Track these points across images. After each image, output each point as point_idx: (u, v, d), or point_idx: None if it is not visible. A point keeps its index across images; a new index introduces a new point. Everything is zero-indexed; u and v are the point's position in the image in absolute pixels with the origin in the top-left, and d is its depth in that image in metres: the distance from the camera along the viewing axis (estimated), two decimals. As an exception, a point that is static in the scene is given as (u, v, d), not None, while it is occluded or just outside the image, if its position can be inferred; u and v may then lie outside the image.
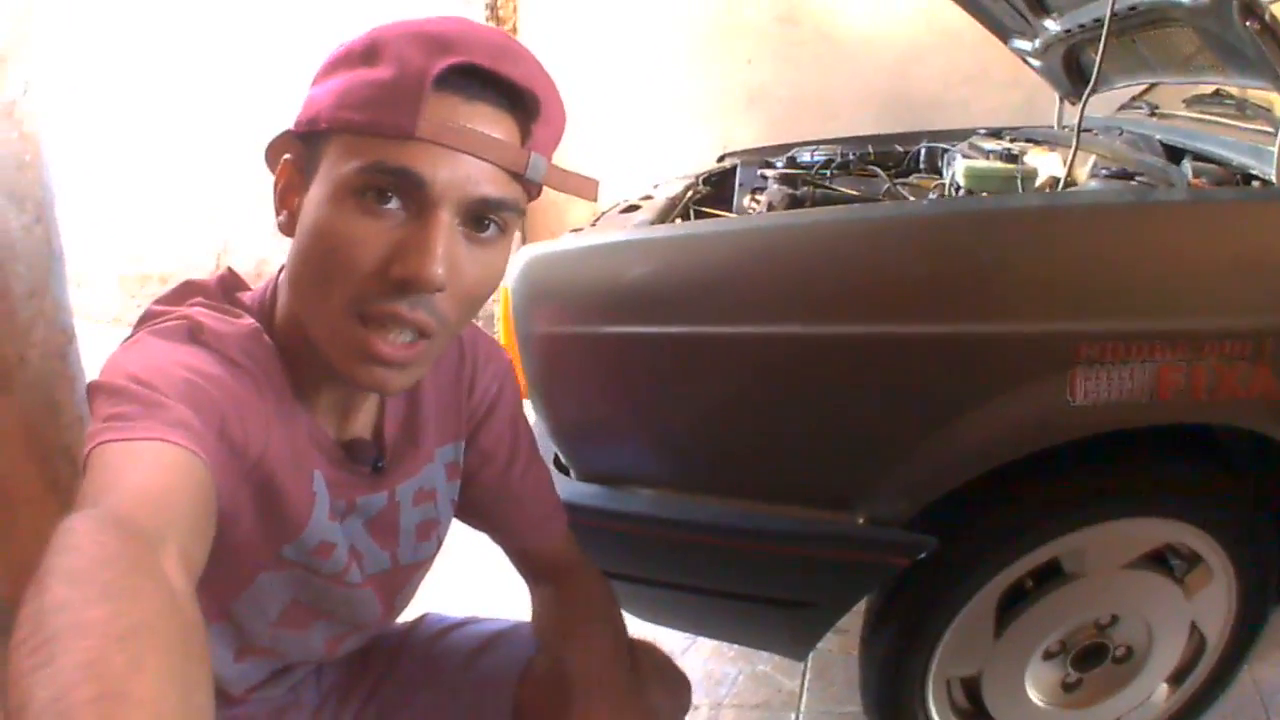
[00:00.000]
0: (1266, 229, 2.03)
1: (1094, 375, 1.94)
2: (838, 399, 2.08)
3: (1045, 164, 3.03)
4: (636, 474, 2.25)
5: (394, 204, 1.21)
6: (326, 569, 1.48)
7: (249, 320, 1.36)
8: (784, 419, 2.11)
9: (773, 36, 5.91)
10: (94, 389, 1.16)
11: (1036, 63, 3.92)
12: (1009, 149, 3.28)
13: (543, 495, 1.79)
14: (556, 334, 2.17)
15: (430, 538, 1.67)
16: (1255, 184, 2.33)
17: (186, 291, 1.43)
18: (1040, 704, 2.51)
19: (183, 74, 6.70)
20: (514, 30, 6.13)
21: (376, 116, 1.19)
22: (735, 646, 3.23)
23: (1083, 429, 2.02)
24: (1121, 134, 3.27)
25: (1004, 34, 3.94)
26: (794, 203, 2.90)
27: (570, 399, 2.24)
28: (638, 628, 2.19)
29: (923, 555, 2.12)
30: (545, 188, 1.34)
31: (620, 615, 1.81)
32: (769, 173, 3.39)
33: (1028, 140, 3.67)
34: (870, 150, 3.91)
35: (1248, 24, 2.16)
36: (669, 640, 2.86)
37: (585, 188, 1.36)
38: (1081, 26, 3.24)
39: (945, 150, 3.71)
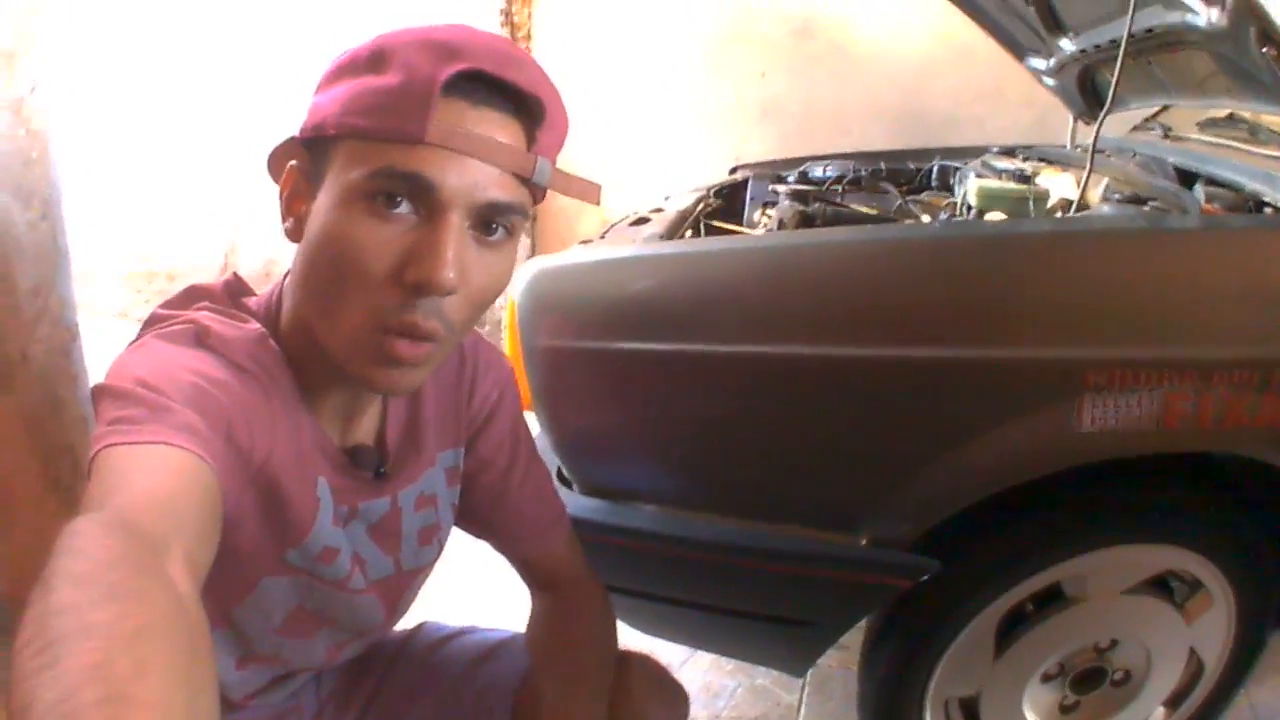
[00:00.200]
0: (1278, 258, 2.02)
1: (1102, 402, 1.93)
2: (843, 421, 2.07)
3: (1058, 185, 3.02)
4: (639, 489, 2.24)
5: (403, 208, 1.21)
6: (329, 575, 1.48)
7: (255, 325, 1.36)
8: (789, 439, 2.10)
9: (787, 50, 5.90)
10: (99, 392, 1.16)
11: (1051, 81, 3.91)
12: (1022, 169, 3.28)
13: (542, 503, 1.78)
14: (562, 347, 2.17)
15: (432, 542, 1.67)
16: (1268, 210, 2.32)
17: (192, 296, 1.43)
18: (1038, 725, 2.50)
19: (191, 71, 6.72)
20: (528, 38, 6.14)
21: (385, 122, 1.19)
22: (734, 660, 3.21)
23: (1089, 455, 2.01)
24: (1134, 156, 3.26)
25: (1019, 52, 3.94)
26: (805, 219, 2.89)
27: (574, 412, 2.23)
28: (636, 639, 2.18)
29: (925, 577, 2.11)
30: (549, 191, 1.34)
31: (613, 640, 1.80)
32: (780, 187, 3.38)
33: (1041, 159, 3.66)
34: (882, 166, 3.89)
35: (1264, 50, 2.15)
36: (668, 652, 2.86)
37: (588, 191, 1.36)
38: (1097, 47, 3.24)
39: (957, 168, 3.70)
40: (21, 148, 2.20)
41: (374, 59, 1.24)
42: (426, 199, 1.21)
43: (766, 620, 2.33)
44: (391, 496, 1.56)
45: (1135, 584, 2.32)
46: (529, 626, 1.82)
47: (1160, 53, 2.89)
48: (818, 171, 3.80)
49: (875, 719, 2.46)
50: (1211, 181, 2.66)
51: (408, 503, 1.60)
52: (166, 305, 1.41)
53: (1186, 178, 2.85)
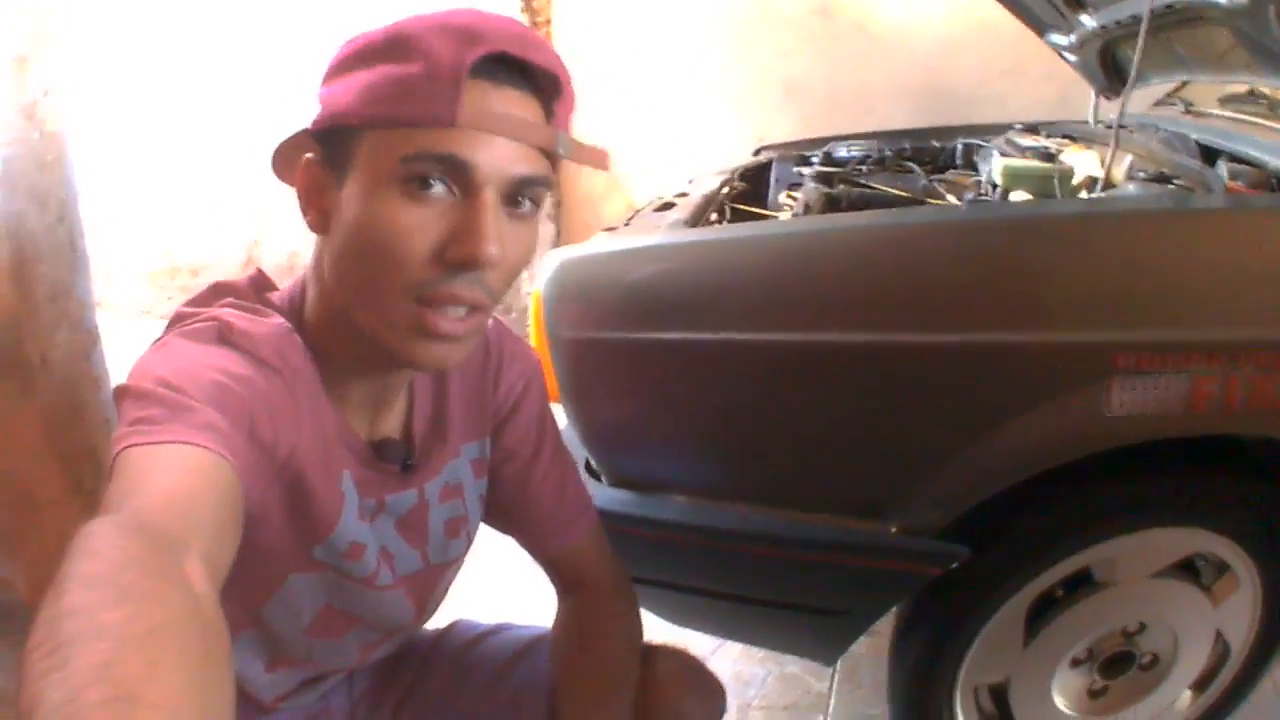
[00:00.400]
0: (1304, 236, 2.01)
1: (1130, 385, 1.92)
2: (873, 408, 2.07)
3: (1082, 162, 3.01)
4: (668, 480, 2.24)
5: (438, 189, 1.23)
6: (356, 572, 1.48)
7: (279, 319, 1.37)
8: (817, 428, 2.10)
9: (809, 29, 5.88)
10: (121, 392, 1.17)
11: (1072, 57, 3.90)
12: (1046, 146, 3.26)
13: (565, 496, 1.77)
14: (588, 338, 2.17)
15: (460, 535, 1.67)
16: (1291, 187, 2.31)
17: (217, 292, 1.44)
18: (1066, 711, 2.50)
19: (212, 66, 6.73)
20: (548, 23, 6.13)
21: (415, 108, 1.21)
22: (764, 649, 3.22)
23: (1118, 439, 2.00)
24: (1157, 132, 3.24)
25: (1040, 28, 3.92)
26: (831, 202, 2.88)
27: (602, 404, 2.23)
28: (666, 631, 2.18)
29: (955, 565, 2.10)
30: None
31: (636, 655, 1.77)
32: (805, 170, 3.37)
33: (1064, 136, 3.65)
34: (906, 146, 3.87)
35: (1283, 26, 2.14)
36: (697, 642, 2.85)
37: (598, 158, 1.38)
38: (1118, 23, 3.22)
39: (981, 146, 3.68)
40: (36, 151, 2.20)
41: (392, 47, 1.25)
42: (461, 179, 1.23)
43: (797, 610, 2.33)
44: (419, 489, 1.56)
45: (1163, 567, 2.32)
46: (553, 635, 1.81)
47: (1180, 29, 2.88)
48: (841, 152, 3.77)
49: (905, 706, 2.46)
50: (1234, 158, 2.64)
51: (434, 494, 1.60)
52: (191, 303, 1.42)
53: (1209, 154, 2.84)
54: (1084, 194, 2.82)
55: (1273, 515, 2.26)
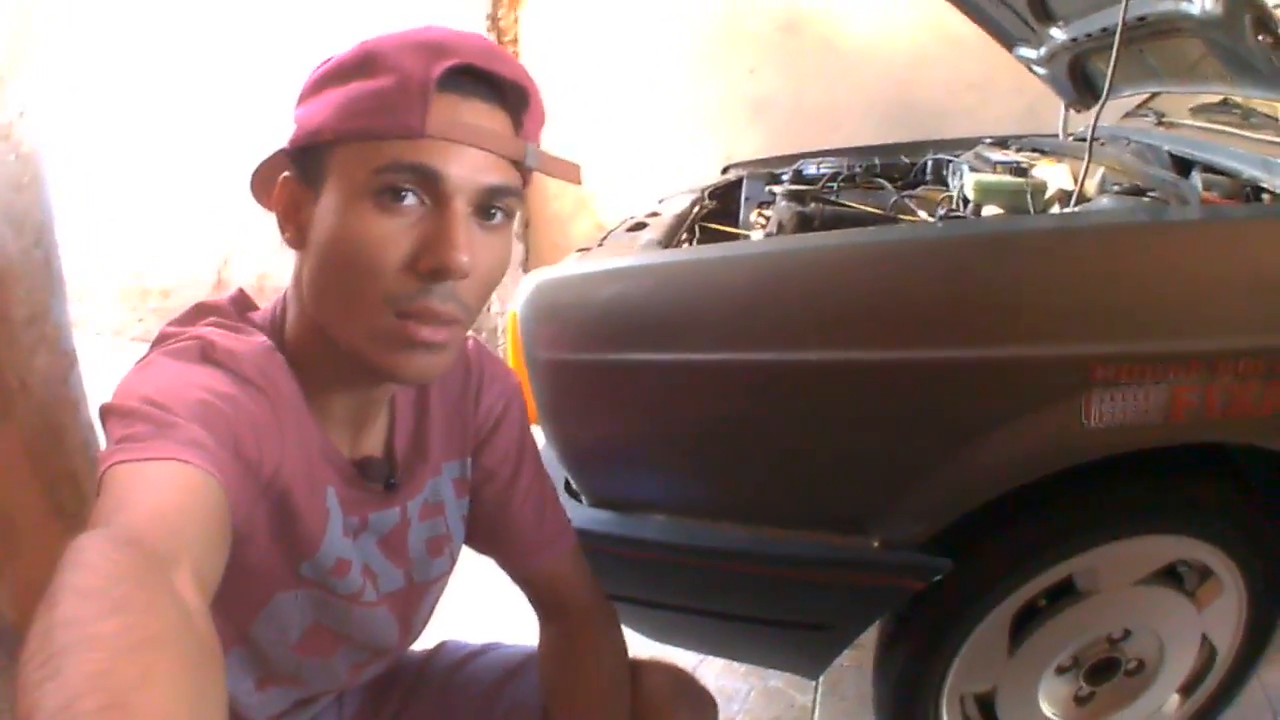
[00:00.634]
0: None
1: (1108, 397, 1.93)
2: (852, 425, 2.07)
3: (1054, 176, 3.01)
4: (648, 499, 2.25)
5: (410, 200, 1.26)
6: (343, 589, 1.49)
7: (261, 338, 1.39)
8: (797, 445, 2.10)
9: (775, 46, 5.89)
10: (106, 411, 1.18)
11: (1042, 71, 3.90)
12: (1017, 161, 3.26)
13: (544, 517, 1.78)
14: (565, 360, 2.17)
15: (442, 554, 1.68)
16: (1266, 198, 2.32)
17: (200, 312, 1.45)
18: (1053, 717, 2.51)
19: (182, 87, 6.73)
20: (515, 42, 6.13)
21: (385, 121, 1.24)
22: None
23: (1098, 451, 2.01)
24: (1129, 144, 3.25)
25: (1009, 42, 3.92)
26: (804, 221, 2.88)
27: (581, 425, 2.23)
28: (647, 647, 2.18)
29: (938, 577, 2.11)
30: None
31: (624, 668, 1.79)
32: (776, 188, 3.37)
33: (1034, 150, 3.65)
34: (876, 162, 3.88)
35: (1260, 38, 2.15)
36: (677, 658, 2.85)
37: (569, 171, 1.41)
38: (1088, 35, 3.23)
39: (950, 161, 3.68)
40: (12, 173, 2.20)
41: (362, 64, 1.28)
42: (432, 190, 1.26)
43: (780, 625, 2.33)
44: (401, 507, 1.58)
45: (1146, 575, 2.33)
46: (540, 659, 1.82)
47: (1152, 40, 2.89)
48: (811, 169, 3.78)
49: (891, 718, 2.46)
50: (1208, 169, 2.66)
51: (415, 512, 1.61)
52: (174, 323, 1.43)
53: (1182, 165, 2.85)
54: (1057, 208, 2.83)
55: (1254, 519, 2.28)
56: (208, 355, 1.30)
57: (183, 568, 0.95)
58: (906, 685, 2.39)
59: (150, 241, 7.12)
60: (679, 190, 3.66)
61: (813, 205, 3.02)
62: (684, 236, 2.89)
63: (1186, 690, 2.59)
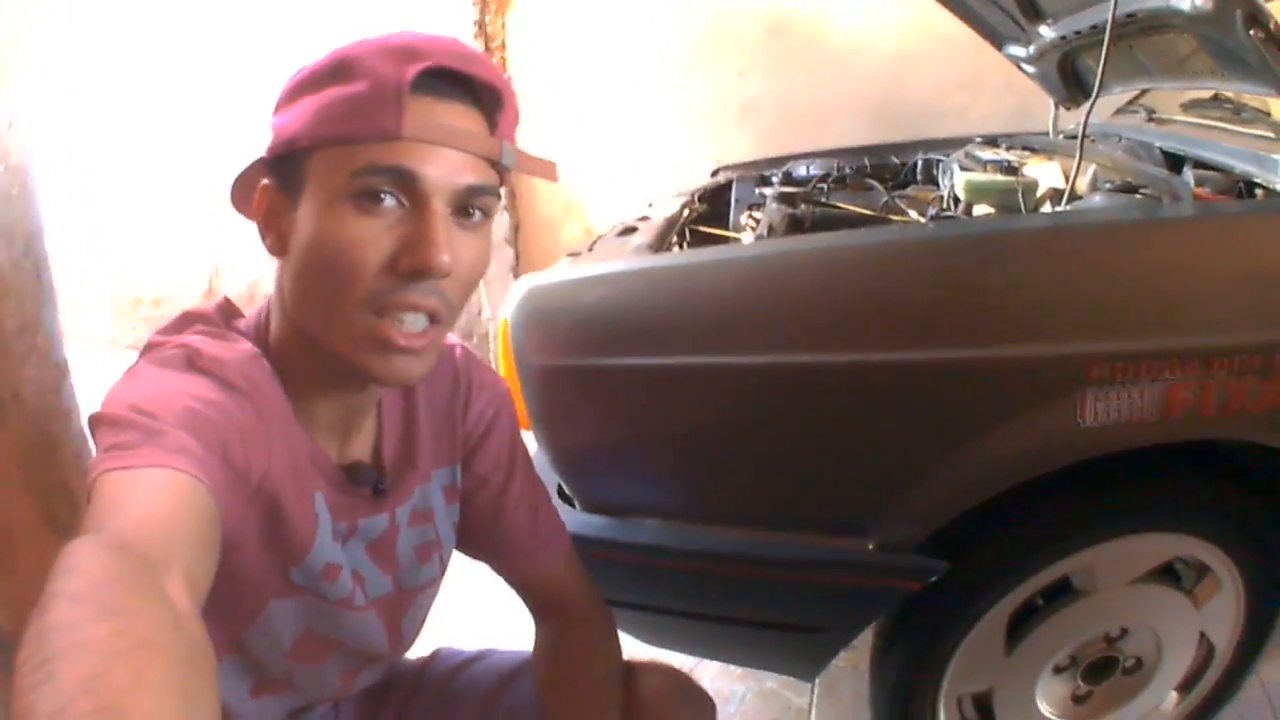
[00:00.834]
0: (1274, 241, 2.02)
1: (1104, 396, 1.92)
2: (847, 427, 2.06)
3: (1045, 174, 3.01)
4: (641, 504, 2.24)
5: (388, 202, 1.28)
6: (334, 594, 1.50)
7: (247, 345, 1.40)
8: (791, 449, 2.09)
9: (763, 47, 5.87)
10: (96, 420, 1.19)
11: (1031, 69, 3.90)
12: (1007, 160, 3.26)
13: (537, 520, 1.79)
14: (557, 365, 2.16)
15: (431, 560, 1.69)
16: (1258, 193, 2.32)
17: (187, 320, 1.46)
18: (1051, 717, 2.51)
19: (173, 97, 6.72)
20: (503, 48, 6.12)
21: (361, 124, 1.25)
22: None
23: (1093, 450, 2.00)
24: (1121, 141, 3.25)
25: (998, 40, 3.92)
26: (794, 223, 2.88)
27: (572, 430, 2.23)
28: (645, 651, 2.17)
29: (934, 579, 2.10)
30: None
31: (619, 670, 1.79)
32: (767, 190, 3.36)
33: (1024, 149, 3.65)
34: (866, 162, 3.89)
35: (1251, 33, 2.15)
36: (673, 661, 2.84)
37: (546, 169, 1.43)
38: (1077, 33, 3.23)
39: (940, 161, 3.68)
40: (1, 185, 2.19)
41: (336, 71, 1.30)
42: (410, 191, 1.28)
43: (775, 628, 2.33)
44: (390, 514, 1.59)
45: (1143, 573, 2.32)
46: (535, 661, 1.82)
47: (1141, 36, 2.88)
48: (801, 171, 3.80)
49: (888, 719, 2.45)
50: (1200, 165, 2.65)
51: (403, 519, 1.62)
52: (161, 331, 1.44)
53: (1174, 161, 2.85)
54: (1048, 206, 2.82)
55: (1252, 516, 2.27)
56: (194, 363, 1.31)
57: (174, 572, 0.95)
58: (903, 686, 2.38)
59: (141, 251, 7.12)
60: (668, 193, 3.67)
61: (803, 207, 3.02)
62: (674, 240, 2.89)
63: (1185, 688, 2.59)
